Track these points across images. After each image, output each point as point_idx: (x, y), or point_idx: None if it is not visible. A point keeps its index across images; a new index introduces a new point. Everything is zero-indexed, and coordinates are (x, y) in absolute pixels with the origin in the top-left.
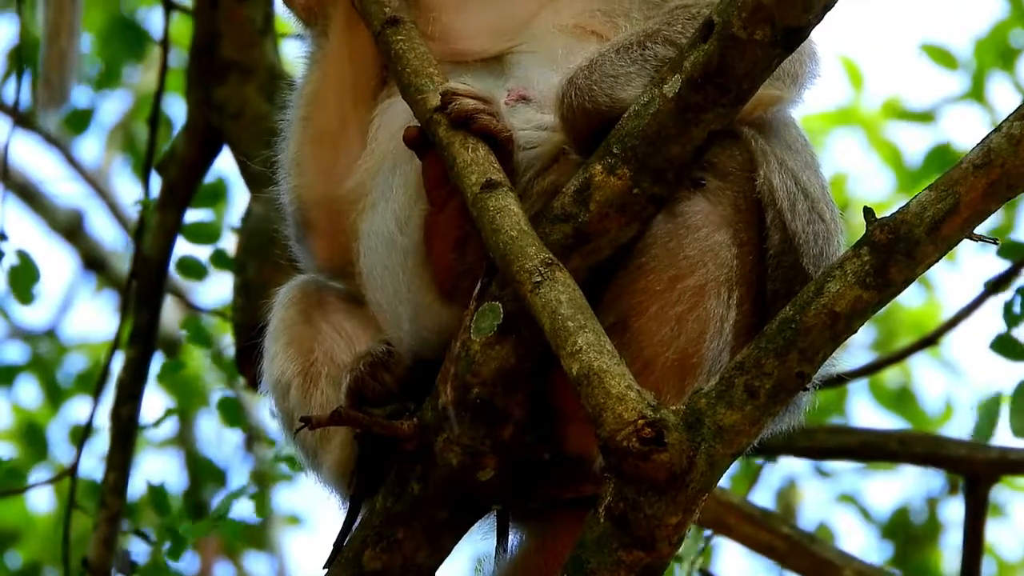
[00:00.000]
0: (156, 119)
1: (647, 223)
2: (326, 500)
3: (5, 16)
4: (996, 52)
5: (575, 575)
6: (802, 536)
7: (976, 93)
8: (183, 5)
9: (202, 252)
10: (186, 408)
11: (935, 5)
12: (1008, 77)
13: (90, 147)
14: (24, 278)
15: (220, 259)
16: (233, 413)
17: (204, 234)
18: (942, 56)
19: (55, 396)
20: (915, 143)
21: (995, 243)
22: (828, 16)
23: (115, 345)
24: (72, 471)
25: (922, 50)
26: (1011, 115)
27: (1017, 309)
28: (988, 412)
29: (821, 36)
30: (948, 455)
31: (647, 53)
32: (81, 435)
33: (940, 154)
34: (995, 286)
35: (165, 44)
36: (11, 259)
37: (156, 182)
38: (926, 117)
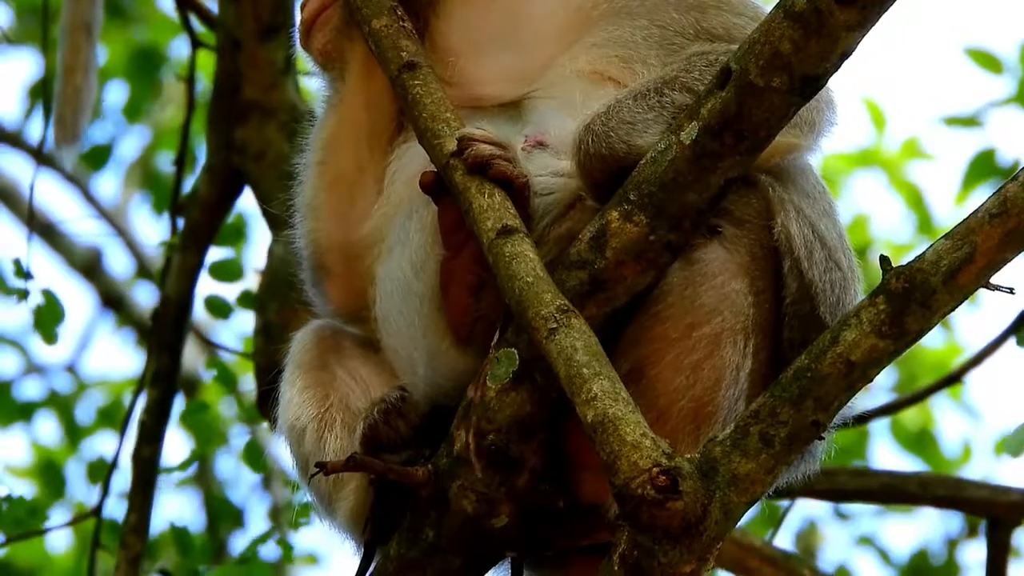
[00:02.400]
0: (183, 157)
1: (663, 270)
2: (341, 543)
3: (26, 51)
4: None
5: None
6: None
7: (1021, 97)
8: (208, 43)
9: (226, 290)
10: (205, 448)
11: (977, 10)
12: None
13: (108, 184)
14: (49, 317)
15: (246, 299)
16: (256, 458)
17: (229, 272)
18: (987, 60)
19: (74, 433)
20: (961, 148)
21: (1011, 292)
22: (845, 63)
23: (140, 386)
24: (97, 511)
25: (967, 54)
26: None
27: None
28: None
29: (841, 79)
30: (969, 497)
31: (664, 100)
32: (106, 475)
33: (986, 159)
34: (1016, 328)
35: (191, 81)
36: (36, 298)
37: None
38: (972, 122)
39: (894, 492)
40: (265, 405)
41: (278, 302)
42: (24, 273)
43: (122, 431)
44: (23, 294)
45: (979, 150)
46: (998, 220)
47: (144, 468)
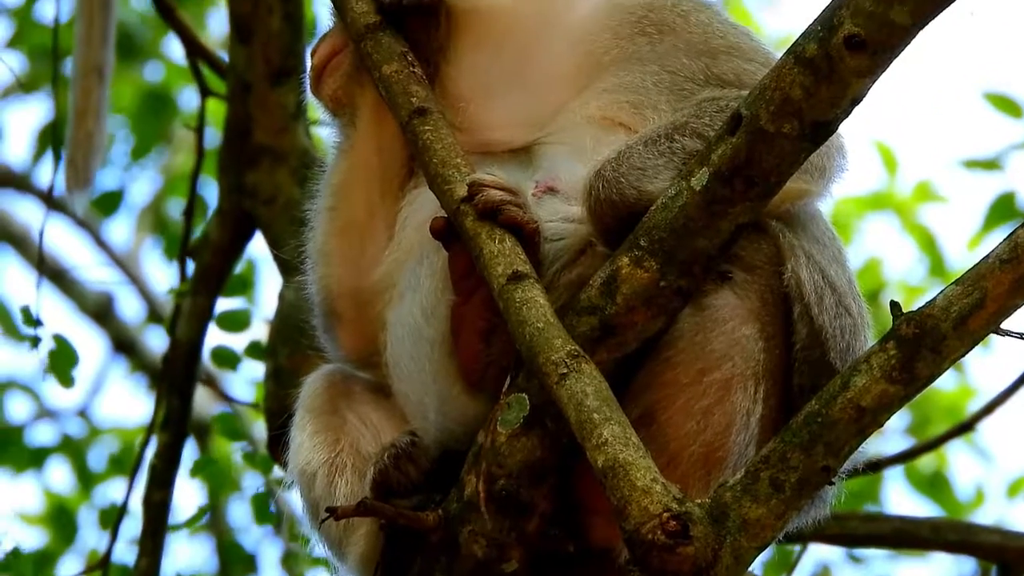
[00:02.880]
0: (192, 207)
1: (674, 316)
2: None
3: (37, 97)
4: None
5: None
6: None
7: None
8: (218, 92)
9: (234, 340)
10: (217, 498)
11: (994, 54)
12: None
13: (120, 228)
14: (63, 361)
15: (254, 349)
16: (264, 511)
17: (236, 322)
18: (1006, 104)
19: (86, 479)
20: (980, 191)
21: (1022, 338)
22: (856, 109)
23: (150, 431)
24: (105, 560)
25: (986, 99)
26: None
27: None
28: None
29: (853, 122)
30: (981, 543)
31: (675, 146)
32: (115, 521)
33: (1006, 203)
34: None
35: (200, 130)
36: (48, 343)
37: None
38: (992, 165)
39: (905, 537)
40: (276, 449)
41: (289, 347)
42: (33, 320)
43: (132, 476)
44: (35, 341)
45: (999, 193)
46: (1008, 266)
47: (154, 513)
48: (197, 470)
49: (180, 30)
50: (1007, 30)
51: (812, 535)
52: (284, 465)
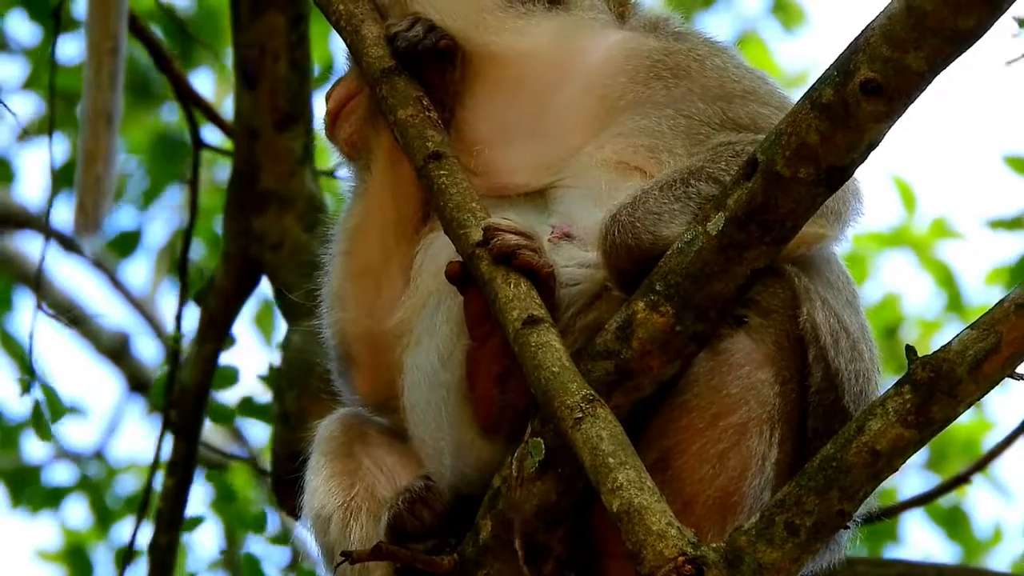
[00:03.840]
0: (185, 258)
1: (690, 360)
2: None
3: (55, 138)
4: None
5: None
6: None
7: None
8: (213, 145)
9: (237, 392)
10: (234, 533)
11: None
12: None
13: (139, 269)
14: (51, 412)
15: (248, 407)
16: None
17: (226, 379)
18: None
19: (104, 518)
20: (1006, 252)
21: None
22: (872, 154)
23: (152, 470)
24: None
25: (1006, 162)
26: None
27: None
28: None
29: (871, 158)
30: None
31: (691, 190)
32: (121, 565)
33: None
34: None
35: (194, 182)
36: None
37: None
38: (1017, 224)
39: None
40: (282, 492)
41: (296, 391)
42: (29, 369)
43: (139, 518)
44: (26, 385)
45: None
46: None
47: (160, 557)
48: (215, 503)
49: (175, 80)
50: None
51: None
52: (291, 510)
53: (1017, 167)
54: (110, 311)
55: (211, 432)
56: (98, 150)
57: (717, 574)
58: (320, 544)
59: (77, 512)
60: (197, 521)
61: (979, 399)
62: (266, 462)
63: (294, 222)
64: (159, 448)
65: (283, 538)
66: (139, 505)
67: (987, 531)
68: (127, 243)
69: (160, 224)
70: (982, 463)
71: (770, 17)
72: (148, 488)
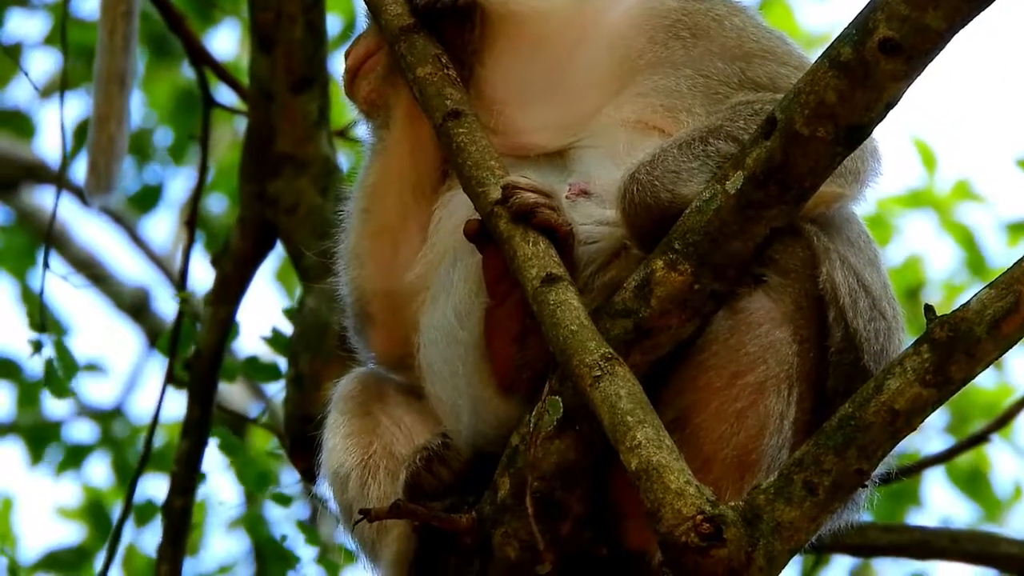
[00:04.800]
0: (195, 217)
1: (708, 319)
2: None
3: (76, 94)
4: None
5: None
6: None
7: None
8: (225, 104)
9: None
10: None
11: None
12: None
13: (161, 224)
14: (62, 371)
15: (254, 366)
16: (305, 528)
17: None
18: None
19: (125, 475)
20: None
21: None
22: (891, 113)
23: (152, 427)
24: (105, 570)
25: (1019, 165)
26: None
27: None
28: None
29: (890, 122)
30: (1000, 553)
31: (709, 149)
32: (114, 532)
33: None
34: None
35: (204, 141)
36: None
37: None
38: None
39: (925, 548)
40: (298, 455)
41: (310, 353)
42: (39, 326)
43: (135, 477)
44: (37, 346)
45: None
46: None
47: (175, 519)
48: (233, 462)
49: (188, 40)
50: None
51: (831, 545)
52: (304, 471)
53: None
54: (130, 267)
55: (233, 390)
56: (111, 112)
57: (735, 532)
58: (338, 502)
59: (99, 470)
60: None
61: (997, 358)
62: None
63: (309, 185)
64: (159, 406)
65: (303, 494)
66: (139, 461)
67: (1007, 491)
68: (148, 199)
69: (181, 180)
70: (1000, 422)
71: None
72: (148, 445)
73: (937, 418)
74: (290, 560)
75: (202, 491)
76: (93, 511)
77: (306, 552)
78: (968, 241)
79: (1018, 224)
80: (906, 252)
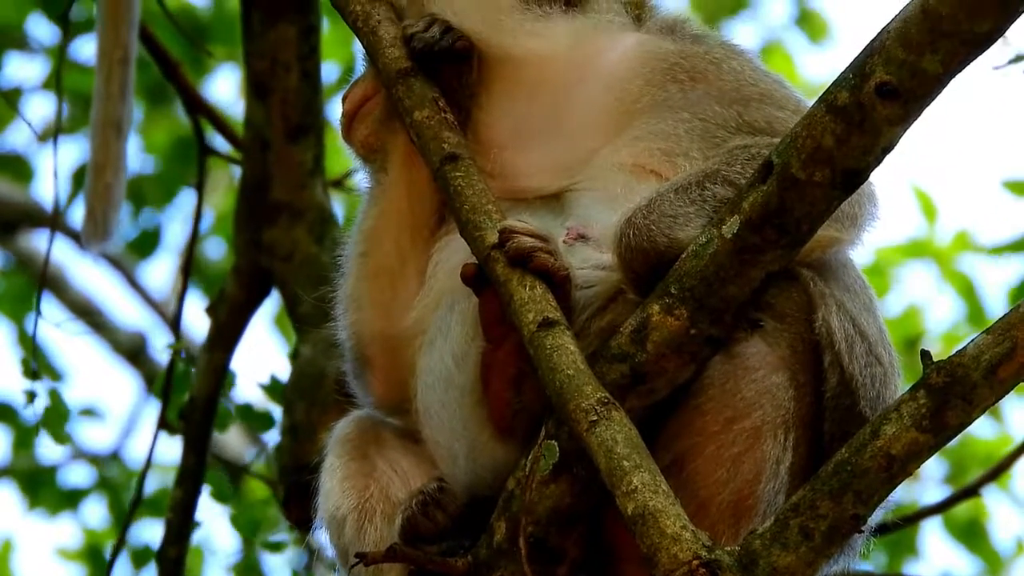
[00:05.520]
0: (189, 264)
1: (704, 363)
2: None
3: (74, 139)
4: None
5: None
6: None
7: None
8: (219, 152)
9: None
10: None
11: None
12: None
13: (160, 269)
14: (56, 419)
15: (247, 413)
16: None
17: (229, 384)
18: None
19: (122, 518)
20: (1002, 274)
21: None
22: (888, 158)
23: (145, 469)
24: None
25: (1005, 187)
26: None
27: None
28: None
29: (891, 171)
30: None
31: (706, 193)
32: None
33: None
34: None
35: (200, 189)
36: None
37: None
38: (1021, 246)
39: None
40: (291, 506)
41: (305, 402)
42: (32, 373)
43: (126, 521)
44: (31, 396)
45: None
46: None
47: (169, 568)
48: (235, 519)
49: (182, 88)
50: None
51: None
52: (297, 520)
53: (1017, 190)
54: (128, 311)
55: (231, 436)
56: (108, 159)
57: None
58: (335, 545)
59: (95, 512)
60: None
61: (994, 404)
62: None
63: (304, 234)
64: (150, 453)
65: (297, 542)
66: (128, 509)
67: (1007, 544)
68: (146, 244)
69: (179, 225)
70: (996, 472)
71: (795, 28)
72: (140, 490)
73: (936, 469)
74: None
75: (199, 538)
76: (91, 553)
77: None
78: (968, 292)
79: (1014, 243)
80: (905, 302)
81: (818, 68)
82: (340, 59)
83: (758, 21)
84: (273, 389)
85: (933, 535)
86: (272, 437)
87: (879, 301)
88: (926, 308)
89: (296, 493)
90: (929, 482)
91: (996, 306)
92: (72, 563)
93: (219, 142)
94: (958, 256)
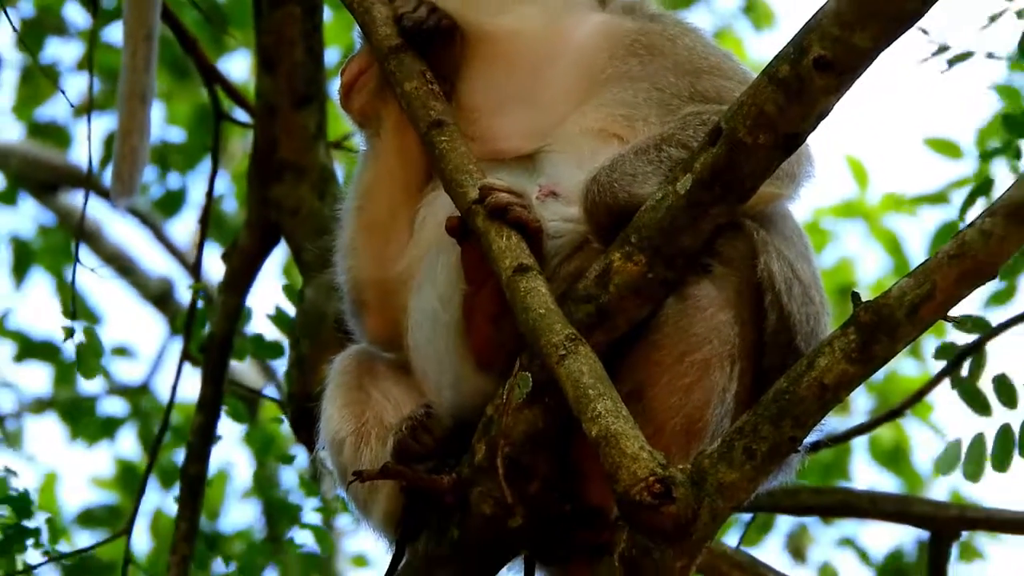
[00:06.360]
0: (207, 215)
1: (660, 304)
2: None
3: (107, 113)
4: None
5: None
6: None
7: (980, 179)
8: (234, 118)
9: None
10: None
11: (936, 99)
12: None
13: (185, 224)
14: (90, 354)
15: (259, 344)
16: (306, 482)
17: (245, 319)
18: (947, 147)
19: (150, 445)
20: (926, 223)
21: (966, 324)
22: (823, 124)
23: (171, 401)
24: (128, 529)
25: (926, 143)
26: (983, 212)
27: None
28: (949, 457)
29: (824, 138)
30: (915, 513)
31: (662, 155)
32: (139, 486)
33: (949, 231)
34: (963, 357)
35: (215, 151)
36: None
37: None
38: (940, 198)
39: (848, 508)
40: (299, 428)
41: (309, 339)
42: (71, 314)
43: (154, 450)
44: (69, 332)
45: (943, 222)
46: (955, 261)
47: (191, 484)
48: (248, 437)
49: (200, 61)
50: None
51: (767, 506)
52: (306, 441)
53: (937, 147)
54: (156, 262)
55: (246, 370)
56: (133, 126)
57: (683, 492)
58: (335, 464)
59: (128, 442)
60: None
61: (916, 339)
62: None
63: (308, 191)
64: (176, 381)
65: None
66: (154, 440)
67: (927, 467)
68: (171, 203)
69: (200, 186)
70: (917, 396)
71: (743, 16)
72: (167, 418)
73: (864, 402)
74: (294, 512)
75: (219, 460)
76: (124, 481)
77: (311, 504)
78: (895, 247)
79: (923, 196)
80: (839, 256)
81: (764, 51)
82: (341, 44)
83: (711, 10)
84: (279, 320)
85: (861, 460)
86: (282, 365)
87: (814, 252)
88: (857, 261)
89: (303, 418)
90: (857, 414)
91: (919, 258)
92: (106, 491)
93: (237, 112)
94: (885, 215)
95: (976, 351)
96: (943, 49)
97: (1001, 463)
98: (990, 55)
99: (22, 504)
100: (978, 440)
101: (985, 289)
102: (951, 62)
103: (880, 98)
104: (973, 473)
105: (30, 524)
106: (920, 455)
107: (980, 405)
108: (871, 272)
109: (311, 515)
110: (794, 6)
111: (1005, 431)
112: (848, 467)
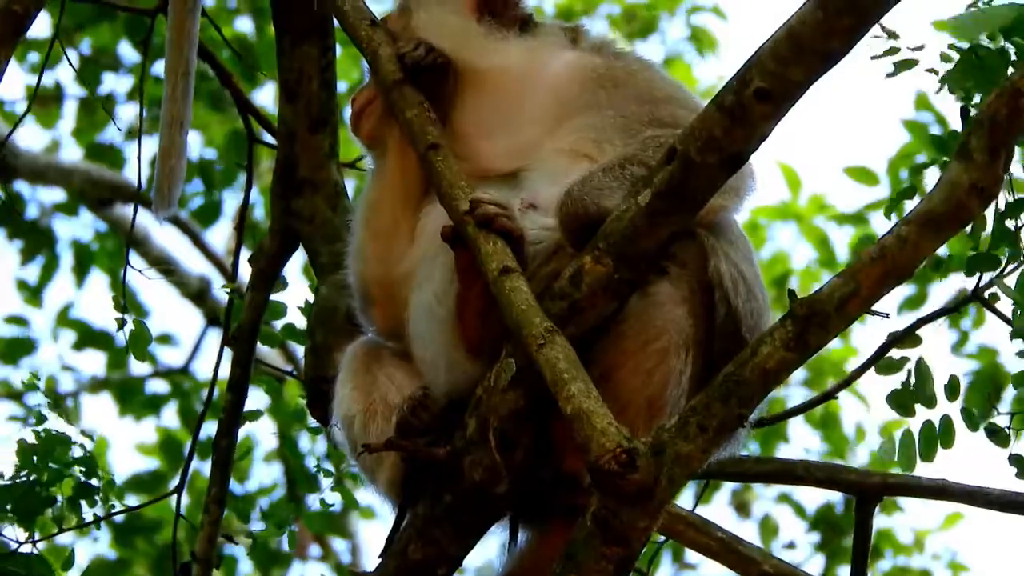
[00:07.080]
0: (243, 223)
1: (625, 300)
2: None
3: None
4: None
5: (568, 565)
6: (732, 538)
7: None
8: (265, 141)
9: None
10: (287, 428)
11: (854, 130)
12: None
13: (221, 232)
14: (140, 341)
15: (289, 332)
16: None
17: (277, 312)
18: (863, 174)
19: (190, 420)
20: (844, 238)
21: (887, 317)
22: (763, 144)
23: (212, 384)
24: (180, 488)
25: (845, 172)
26: (899, 221)
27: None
28: (885, 451)
29: (766, 154)
30: (843, 479)
31: (626, 172)
32: (186, 459)
33: (866, 242)
34: (895, 341)
35: (249, 168)
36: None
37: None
38: (858, 218)
39: (786, 475)
40: (314, 407)
41: (324, 329)
42: (122, 308)
43: (198, 425)
44: (121, 323)
45: (861, 237)
46: (878, 263)
47: (222, 455)
48: (271, 410)
49: (235, 93)
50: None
51: (716, 473)
52: (320, 418)
53: (855, 175)
54: (196, 264)
55: (273, 356)
56: (172, 148)
57: (645, 461)
58: (346, 438)
59: (170, 417)
60: (256, 414)
61: (844, 329)
62: None
63: (322, 202)
64: (217, 365)
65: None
66: (197, 415)
67: (852, 432)
68: (209, 213)
69: (235, 200)
70: (845, 383)
71: (688, 44)
72: (210, 396)
73: (798, 373)
74: (314, 481)
75: (246, 430)
76: (166, 447)
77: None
78: (822, 243)
79: (845, 215)
80: (775, 250)
81: (707, 75)
82: (350, 78)
83: (663, 40)
84: (307, 311)
85: (797, 426)
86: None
87: (755, 252)
88: (791, 255)
89: (318, 398)
90: (793, 385)
91: (842, 253)
92: (149, 457)
93: (264, 137)
94: (814, 217)
95: (901, 340)
96: (893, 51)
97: (927, 455)
98: (930, 70)
99: (89, 464)
100: (907, 435)
101: (899, 292)
102: (897, 66)
103: (816, 111)
104: (906, 465)
105: (94, 483)
106: (847, 421)
107: (905, 409)
108: (801, 264)
109: (329, 481)
110: (734, 35)
111: (928, 427)
112: (787, 433)
